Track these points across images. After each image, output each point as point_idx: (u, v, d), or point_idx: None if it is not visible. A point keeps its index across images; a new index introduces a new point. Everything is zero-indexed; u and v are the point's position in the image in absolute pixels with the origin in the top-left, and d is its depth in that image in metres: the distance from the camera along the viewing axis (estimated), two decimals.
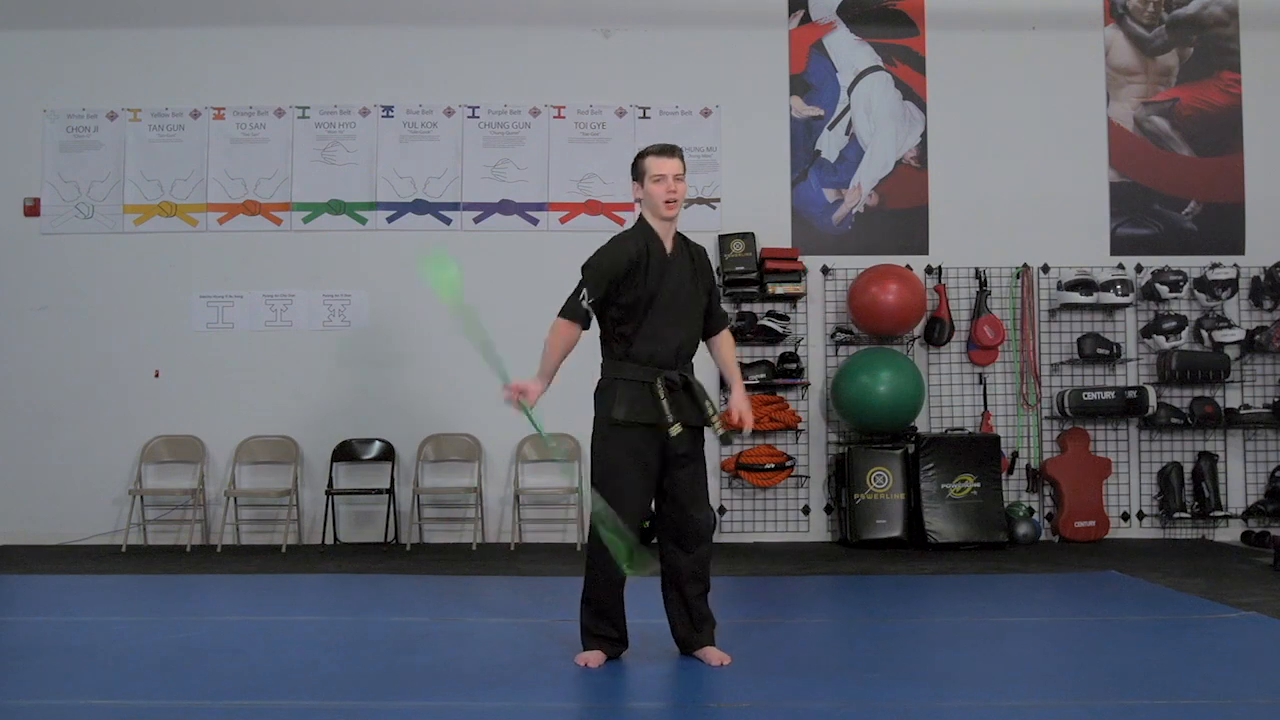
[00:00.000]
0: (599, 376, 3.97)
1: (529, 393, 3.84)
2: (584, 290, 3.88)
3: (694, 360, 4.02)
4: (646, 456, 3.84)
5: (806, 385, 7.53)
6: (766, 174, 7.69)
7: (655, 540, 4.03)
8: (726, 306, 7.26)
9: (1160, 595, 5.34)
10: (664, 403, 3.82)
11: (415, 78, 7.67)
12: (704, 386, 4.02)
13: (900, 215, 7.71)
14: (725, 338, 4.18)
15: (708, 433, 4.00)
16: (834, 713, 3.36)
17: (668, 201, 3.89)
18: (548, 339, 3.91)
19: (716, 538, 7.37)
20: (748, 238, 7.46)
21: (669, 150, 3.96)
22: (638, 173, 3.97)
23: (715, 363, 4.24)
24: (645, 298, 3.86)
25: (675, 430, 3.81)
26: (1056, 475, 7.46)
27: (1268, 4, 7.81)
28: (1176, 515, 7.46)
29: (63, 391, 7.52)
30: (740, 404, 4.06)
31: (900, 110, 7.76)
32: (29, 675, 3.86)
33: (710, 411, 3.94)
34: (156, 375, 7.56)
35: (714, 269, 4.22)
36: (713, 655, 3.90)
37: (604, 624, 3.93)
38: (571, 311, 3.89)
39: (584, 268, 3.91)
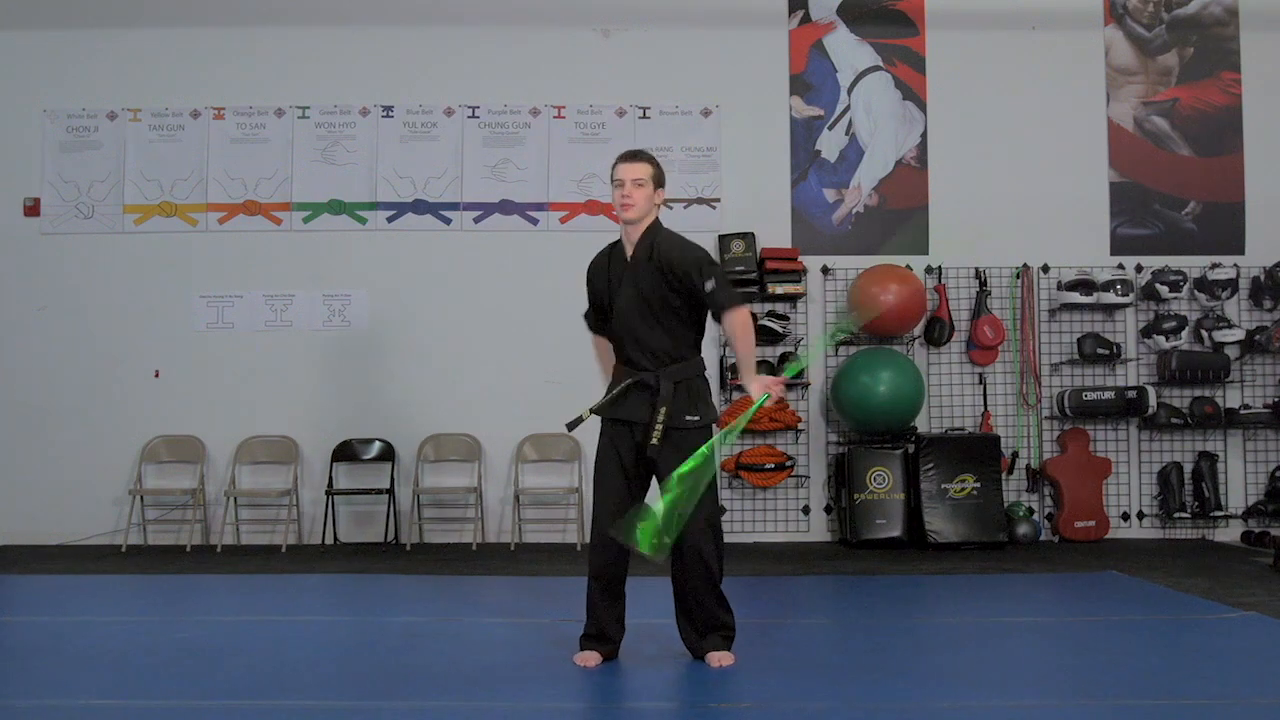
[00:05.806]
0: None
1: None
2: None
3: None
4: (621, 451, 3.92)
5: (807, 385, 7.53)
6: (766, 174, 7.69)
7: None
8: None
9: (1160, 595, 5.34)
10: (594, 405, 3.95)
11: (415, 78, 7.67)
12: (694, 390, 3.91)
13: (900, 215, 7.71)
14: (727, 324, 3.85)
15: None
16: (834, 713, 3.36)
17: (622, 205, 3.94)
18: None
19: None
20: (748, 238, 7.45)
21: (630, 155, 4.00)
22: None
23: None
24: (610, 306, 4.01)
25: (585, 415, 3.89)
26: (1056, 475, 7.45)
27: (1268, 4, 7.81)
28: (1176, 515, 7.46)
29: (63, 392, 7.51)
30: (754, 391, 3.85)
31: (900, 110, 7.75)
32: (29, 675, 3.86)
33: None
34: (156, 375, 7.55)
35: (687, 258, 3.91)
36: (712, 657, 3.89)
37: (588, 620, 3.95)
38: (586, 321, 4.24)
39: None
